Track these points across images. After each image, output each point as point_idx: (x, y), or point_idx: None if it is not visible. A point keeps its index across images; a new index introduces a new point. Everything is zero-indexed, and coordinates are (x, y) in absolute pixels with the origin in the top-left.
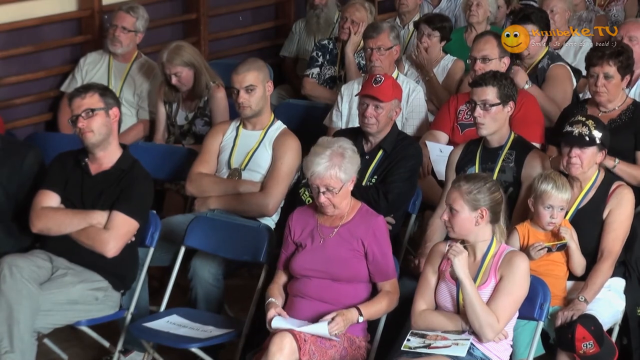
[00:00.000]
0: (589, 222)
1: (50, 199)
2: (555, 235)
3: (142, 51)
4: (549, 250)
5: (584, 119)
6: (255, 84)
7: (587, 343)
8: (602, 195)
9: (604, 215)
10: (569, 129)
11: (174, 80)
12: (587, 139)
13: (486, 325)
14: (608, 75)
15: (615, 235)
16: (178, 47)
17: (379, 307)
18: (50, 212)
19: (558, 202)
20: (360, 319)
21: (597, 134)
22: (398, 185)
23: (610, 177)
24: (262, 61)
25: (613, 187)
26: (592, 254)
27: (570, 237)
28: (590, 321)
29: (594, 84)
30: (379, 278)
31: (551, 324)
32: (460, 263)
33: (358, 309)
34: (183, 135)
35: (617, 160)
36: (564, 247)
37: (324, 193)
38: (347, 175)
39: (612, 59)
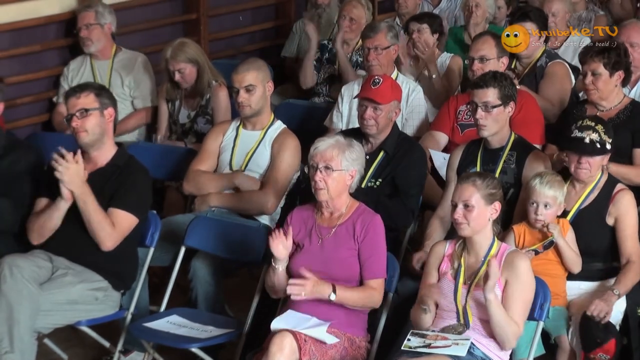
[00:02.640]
0: (590, 222)
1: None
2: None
3: (142, 51)
4: (536, 252)
5: (592, 123)
6: (255, 83)
7: (605, 356)
8: (605, 197)
9: (609, 221)
10: (578, 134)
11: (177, 76)
12: (599, 146)
13: (512, 336)
14: (595, 72)
15: (634, 240)
16: (182, 44)
17: (355, 295)
18: (38, 220)
19: (542, 198)
20: (332, 297)
21: (608, 139)
22: (417, 199)
23: (613, 178)
24: (262, 61)
25: (616, 189)
26: (594, 254)
27: (559, 233)
28: (621, 339)
29: (583, 81)
30: (366, 275)
31: (552, 323)
32: (490, 285)
33: (333, 286)
34: (185, 134)
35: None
36: (551, 245)
37: (320, 171)
38: (348, 163)
39: (598, 55)
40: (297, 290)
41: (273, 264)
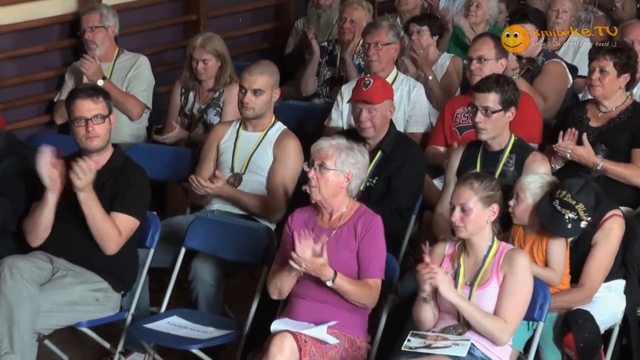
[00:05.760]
0: (578, 248)
1: None
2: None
3: (143, 52)
4: None
5: (574, 202)
6: (264, 88)
7: (570, 352)
8: (593, 224)
9: (592, 242)
10: (558, 207)
11: (200, 66)
12: (574, 227)
13: (496, 331)
14: (604, 70)
15: (597, 270)
16: (212, 36)
17: (354, 288)
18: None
19: (515, 190)
20: (329, 283)
21: (587, 218)
22: (408, 200)
23: (610, 203)
24: (275, 67)
25: (606, 216)
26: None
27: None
28: (582, 333)
29: (589, 77)
30: (362, 274)
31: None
32: (445, 286)
33: (336, 274)
34: (194, 124)
35: (601, 160)
36: None
37: (315, 169)
38: (343, 165)
39: (609, 54)
40: (301, 264)
41: (292, 267)
